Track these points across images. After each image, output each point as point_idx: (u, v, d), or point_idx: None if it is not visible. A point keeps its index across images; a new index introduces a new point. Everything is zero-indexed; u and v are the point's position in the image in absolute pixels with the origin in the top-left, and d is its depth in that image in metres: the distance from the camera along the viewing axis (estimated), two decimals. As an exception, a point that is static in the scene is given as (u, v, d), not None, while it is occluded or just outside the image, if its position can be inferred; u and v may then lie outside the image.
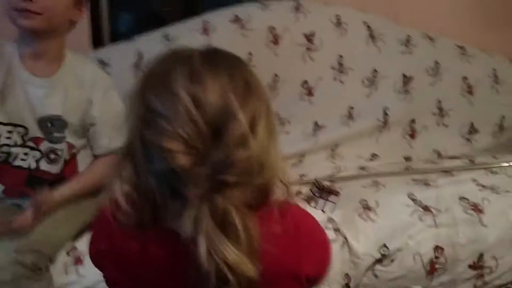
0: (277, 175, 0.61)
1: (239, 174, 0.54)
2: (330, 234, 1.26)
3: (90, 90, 1.27)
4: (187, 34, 1.82)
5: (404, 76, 1.84)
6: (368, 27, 1.87)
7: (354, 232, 1.26)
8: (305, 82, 1.82)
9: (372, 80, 1.84)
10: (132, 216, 0.58)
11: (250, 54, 1.80)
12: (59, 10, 1.18)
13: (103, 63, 1.76)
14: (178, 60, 0.60)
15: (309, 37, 1.84)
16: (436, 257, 1.26)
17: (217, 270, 0.53)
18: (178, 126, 0.53)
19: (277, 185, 0.62)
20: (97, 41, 2.03)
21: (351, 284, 1.23)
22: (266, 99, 0.61)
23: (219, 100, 0.55)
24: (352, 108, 1.81)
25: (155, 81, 0.59)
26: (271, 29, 1.82)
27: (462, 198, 1.34)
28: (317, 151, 1.75)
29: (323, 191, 1.36)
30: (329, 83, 1.82)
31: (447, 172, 1.56)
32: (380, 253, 1.23)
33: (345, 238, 1.26)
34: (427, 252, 1.25)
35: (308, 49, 1.83)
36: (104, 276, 0.70)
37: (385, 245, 1.24)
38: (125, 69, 1.75)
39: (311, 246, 0.67)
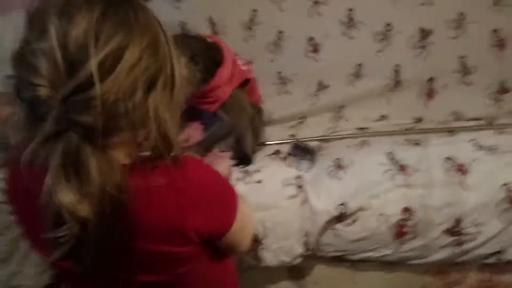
0: (160, 129, 0.60)
1: (96, 115, 0.53)
2: (291, 190, 1.21)
3: None
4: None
5: (422, 30, 1.66)
6: (384, -25, 1.71)
7: (317, 190, 1.19)
8: (311, 38, 1.73)
9: (385, 35, 1.69)
10: (24, 155, 0.58)
11: (254, 10, 1.76)
12: None
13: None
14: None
15: (316, -10, 1.73)
16: (404, 219, 1.14)
17: (52, 209, 0.54)
18: (41, 61, 0.53)
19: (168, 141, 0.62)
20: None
21: (310, 241, 1.17)
22: (155, 43, 0.59)
23: (81, 37, 0.53)
24: (360, 65, 1.69)
25: (33, 16, 0.58)
26: (276, -18, 1.75)
27: (448, 159, 1.20)
28: (320, 112, 1.67)
29: (299, 149, 1.31)
30: (336, 39, 1.71)
31: (450, 132, 1.40)
32: (338, 210, 1.15)
33: (306, 195, 1.19)
34: (394, 214, 1.15)
35: (316, 2, 1.74)
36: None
37: (344, 204, 1.15)
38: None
39: (202, 200, 0.65)
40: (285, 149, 1.37)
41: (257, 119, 1.27)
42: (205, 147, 1.11)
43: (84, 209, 0.54)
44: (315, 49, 1.72)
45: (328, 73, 1.70)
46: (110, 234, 0.57)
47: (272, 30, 1.75)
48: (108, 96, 0.53)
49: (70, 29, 0.53)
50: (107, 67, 0.53)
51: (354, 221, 1.17)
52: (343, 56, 1.71)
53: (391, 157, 1.23)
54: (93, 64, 0.51)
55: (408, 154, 1.23)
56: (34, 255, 1.23)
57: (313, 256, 1.23)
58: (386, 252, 1.17)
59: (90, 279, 0.68)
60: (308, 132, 1.58)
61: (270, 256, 1.19)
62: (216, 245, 0.73)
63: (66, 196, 0.53)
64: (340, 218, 1.17)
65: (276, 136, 1.52)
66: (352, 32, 1.71)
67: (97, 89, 0.52)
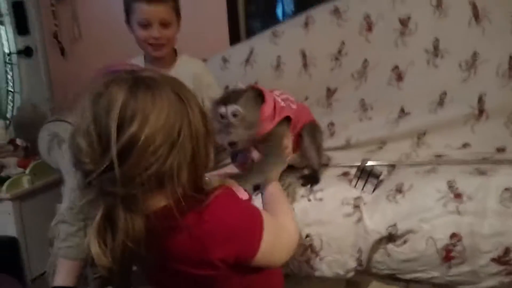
0: (183, 186, 0.74)
1: (122, 187, 0.68)
2: (348, 209, 1.33)
3: (198, 85, 1.62)
4: (290, 29, 2.03)
5: (511, 58, 1.65)
6: (474, 6, 1.74)
7: (373, 210, 1.30)
8: (396, 67, 1.82)
9: (471, 64, 1.71)
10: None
11: (343, 43, 1.92)
12: (174, 34, 1.60)
13: (225, 60, 2.12)
14: (96, 84, 0.72)
15: (403, 22, 1.83)
16: (452, 244, 1.19)
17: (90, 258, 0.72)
18: (82, 142, 0.69)
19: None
20: (236, 39, 2.40)
21: (362, 257, 1.28)
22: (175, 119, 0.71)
23: (108, 125, 0.66)
24: (444, 94, 1.73)
25: (80, 100, 0.72)
26: (366, 17, 1.88)
27: (506, 189, 1.21)
28: (401, 138, 1.71)
29: (365, 172, 1.42)
30: (421, 68, 1.78)
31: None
32: (388, 231, 1.24)
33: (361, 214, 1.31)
34: (442, 238, 1.20)
35: (402, 33, 1.83)
36: None
37: (394, 225, 1.25)
38: (238, 64, 2.07)
39: (223, 235, 0.77)
40: (354, 171, 1.48)
41: (318, 135, 1.40)
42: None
43: (106, 261, 0.71)
44: (399, 77, 1.80)
45: (410, 101, 1.75)
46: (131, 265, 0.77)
47: (358, 60, 1.88)
48: (127, 173, 0.67)
49: (100, 117, 0.67)
50: (125, 153, 0.66)
51: (404, 242, 1.24)
52: (427, 84, 1.75)
53: (450, 184, 1.27)
54: (113, 153, 0.66)
55: (468, 183, 1.27)
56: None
57: (368, 272, 1.32)
58: (434, 274, 1.22)
59: None
60: (386, 156, 1.66)
61: (326, 268, 1.32)
62: (251, 266, 0.83)
63: (94, 247, 0.71)
64: (391, 238, 1.25)
65: (351, 159, 1.62)
66: (437, 61, 1.76)
67: (117, 171, 0.66)
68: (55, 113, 2.41)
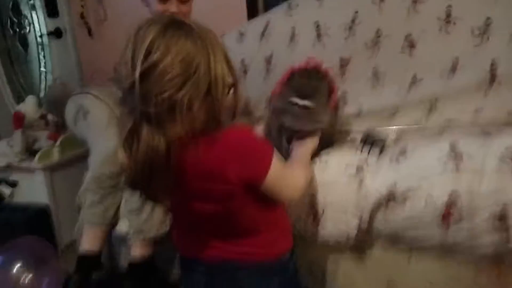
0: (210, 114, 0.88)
1: (141, 104, 0.82)
2: (351, 170, 1.38)
3: None
4: (305, 1, 2.06)
5: (524, 24, 1.63)
6: (490, -30, 1.72)
7: (375, 171, 1.34)
8: (409, 35, 1.82)
9: (484, 30, 1.70)
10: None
11: (356, 12, 1.93)
12: (191, 9, 1.68)
13: (241, 34, 2.17)
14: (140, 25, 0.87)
15: (416, -10, 1.82)
16: (450, 202, 1.22)
17: None
18: (123, 67, 0.84)
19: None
20: (254, 13, 2.44)
21: (364, 216, 1.33)
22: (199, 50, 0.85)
23: (137, 54, 0.81)
24: (456, 59, 1.73)
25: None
26: (379, -14, 1.89)
27: (508, 148, 1.23)
28: (413, 105, 1.73)
29: (371, 137, 1.46)
30: (433, 35, 1.77)
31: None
32: (388, 190, 1.28)
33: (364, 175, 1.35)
34: (441, 196, 1.23)
35: (414, 1, 1.83)
36: None
37: (395, 184, 1.28)
38: (254, 37, 2.11)
39: (238, 153, 0.91)
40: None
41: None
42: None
43: (130, 166, 0.86)
44: (411, 45, 1.81)
45: (423, 68, 1.76)
46: (154, 176, 0.87)
47: (371, 29, 1.89)
48: (146, 92, 0.81)
49: (137, 45, 0.82)
50: (145, 75, 0.80)
51: (404, 200, 1.28)
52: (439, 51, 1.76)
53: (453, 145, 1.30)
54: (137, 73, 0.80)
55: (471, 143, 1.28)
56: (159, 208, 1.63)
57: (370, 233, 1.37)
58: (434, 232, 1.25)
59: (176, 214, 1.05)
60: (397, 123, 1.69)
61: (330, 225, 1.37)
62: (260, 191, 0.97)
63: (120, 154, 0.86)
64: (391, 197, 1.29)
65: (363, 127, 1.66)
66: (449, 28, 1.75)
67: (137, 89, 0.81)
68: (83, 89, 2.53)
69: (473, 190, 1.20)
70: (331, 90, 1.30)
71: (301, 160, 1.23)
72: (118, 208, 1.75)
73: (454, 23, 1.75)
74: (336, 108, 1.41)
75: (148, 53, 0.80)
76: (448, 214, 1.23)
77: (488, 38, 1.68)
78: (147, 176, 0.87)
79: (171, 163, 0.85)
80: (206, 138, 0.89)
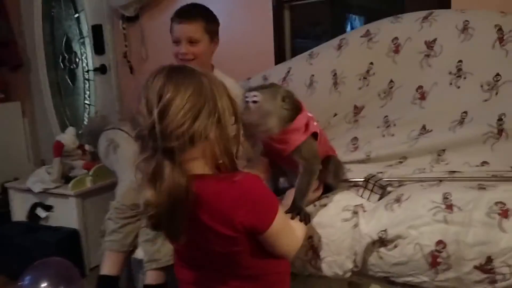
0: (220, 152, 1.00)
1: (163, 139, 0.91)
2: (347, 215, 1.45)
3: None
4: (325, 51, 2.19)
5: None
6: (500, 29, 1.80)
7: (369, 217, 1.41)
8: (420, 87, 1.90)
9: (493, 85, 1.76)
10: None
11: (371, 63, 2.04)
12: (203, 51, 1.78)
13: (265, 78, 2.32)
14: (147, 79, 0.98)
15: (429, 44, 1.92)
16: (437, 251, 1.27)
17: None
18: (140, 116, 0.95)
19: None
20: (281, 60, 2.59)
21: (357, 259, 1.39)
22: (210, 98, 0.96)
23: (152, 99, 0.92)
24: (465, 113, 1.78)
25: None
26: (394, 39, 2.00)
27: (498, 203, 1.27)
28: (421, 154, 1.77)
29: (370, 183, 1.53)
30: (444, 88, 1.85)
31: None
32: (378, 236, 1.35)
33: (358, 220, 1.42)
34: (429, 244, 1.28)
35: (427, 56, 1.92)
36: None
37: (385, 230, 1.35)
38: (275, 82, 2.22)
39: (247, 200, 0.96)
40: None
41: (341, 173, 1.52)
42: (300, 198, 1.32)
43: (154, 204, 0.92)
44: (422, 96, 1.88)
45: (432, 119, 1.82)
46: (177, 212, 0.94)
47: (385, 80, 1.99)
48: (166, 129, 0.90)
49: (149, 94, 0.93)
50: (162, 114, 0.90)
51: (394, 247, 1.33)
52: (449, 104, 1.82)
53: (445, 196, 1.35)
54: (155, 114, 0.90)
55: (463, 196, 1.33)
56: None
57: (364, 274, 1.42)
58: (424, 278, 1.29)
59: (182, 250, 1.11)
60: (403, 171, 1.74)
61: (326, 267, 1.44)
62: (259, 240, 1.01)
63: (145, 192, 0.93)
64: (382, 242, 1.35)
65: (370, 172, 1.73)
66: (460, 82, 1.82)
67: (157, 127, 0.90)
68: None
69: (459, 241, 1.24)
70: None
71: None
72: (136, 236, 1.89)
73: (465, 78, 1.82)
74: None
75: (160, 96, 0.91)
76: (435, 262, 1.27)
77: (496, 93, 1.74)
78: (171, 214, 0.93)
79: (191, 201, 0.92)
80: (222, 179, 0.97)
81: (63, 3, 3.25)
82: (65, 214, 2.41)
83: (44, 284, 1.75)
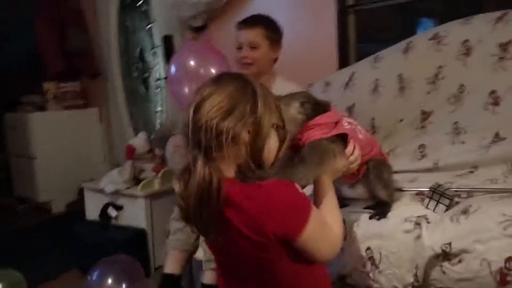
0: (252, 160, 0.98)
1: (193, 132, 0.95)
2: (409, 226, 1.39)
3: None
4: (391, 54, 2.13)
5: None
6: None
7: (434, 229, 1.34)
8: (493, 92, 1.79)
9: None
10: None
11: (439, 67, 1.95)
12: (263, 56, 1.88)
13: (327, 84, 2.30)
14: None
15: (504, 47, 1.80)
16: (507, 268, 1.18)
17: None
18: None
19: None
20: (345, 65, 2.55)
21: (418, 273, 1.33)
22: (251, 105, 0.97)
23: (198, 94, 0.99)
24: (545, 120, 1.65)
25: None
26: (465, 42, 1.90)
27: None
28: (493, 164, 1.65)
29: (436, 193, 1.46)
30: (520, 93, 1.73)
31: None
32: (442, 249, 1.28)
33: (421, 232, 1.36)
34: (497, 261, 1.20)
35: (501, 58, 1.80)
36: None
37: (449, 243, 1.28)
38: (338, 87, 2.22)
39: (276, 208, 0.92)
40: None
41: (385, 172, 1.46)
42: None
43: (183, 199, 0.95)
44: (496, 101, 1.76)
45: (507, 126, 1.70)
46: (206, 207, 0.95)
47: (454, 84, 1.89)
48: (197, 122, 0.93)
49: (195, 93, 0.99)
50: (197, 108, 0.94)
51: (459, 262, 1.26)
52: (526, 109, 1.69)
53: (518, 210, 1.26)
54: (192, 108, 0.95)
55: (539, 210, 1.24)
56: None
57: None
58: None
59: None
60: (474, 181, 1.64)
61: (385, 280, 1.39)
62: (294, 248, 0.96)
63: (176, 185, 0.98)
64: (446, 256, 1.28)
65: (435, 182, 1.64)
66: (539, 86, 1.69)
67: (191, 119, 0.95)
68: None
69: (532, 259, 1.15)
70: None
71: (330, 209, 1.13)
72: (199, 236, 1.93)
73: (545, 81, 1.68)
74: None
75: (199, 91, 0.97)
76: (505, 281, 1.18)
77: None
78: (199, 208, 0.94)
79: (220, 199, 0.91)
80: (252, 185, 0.93)
81: (137, 15, 3.42)
82: (134, 214, 2.52)
83: (109, 280, 1.84)
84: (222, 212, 0.95)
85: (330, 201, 1.16)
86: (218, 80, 0.99)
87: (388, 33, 2.67)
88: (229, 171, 0.99)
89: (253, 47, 1.85)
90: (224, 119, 0.93)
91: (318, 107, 1.29)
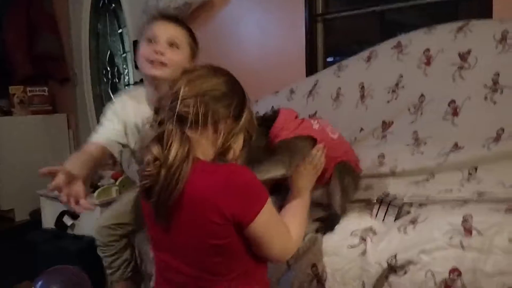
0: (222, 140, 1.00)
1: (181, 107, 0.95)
2: (354, 240, 1.34)
3: None
4: (354, 63, 2.09)
5: None
6: (543, 39, 1.63)
7: (379, 242, 1.29)
8: (452, 101, 1.76)
9: (532, 99, 1.59)
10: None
11: (400, 76, 1.92)
12: (181, 62, 1.43)
13: (292, 92, 2.26)
14: None
15: (463, 56, 1.77)
16: (451, 279, 1.13)
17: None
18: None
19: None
20: (312, 70, 2.51)
21: (366, 288, 1.27)
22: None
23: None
24: (502, 130, 1.62)
25: None
26: (426, 51, 1.87)
27: (524, 228, 1.12)
28: (450, 171, 1.63)
29: (384, 203, 1.41)
30: (478, 103, 1.69)
31: None
32: (387, 262, 1.22)
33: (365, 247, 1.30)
34: (441, 272, 1.14)
35: (460, 68, 1.77)
36: None
37: (395, 256, 1.22)
38: (302, 95, 2.18)
39: (233, 187, 0.91)
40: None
41: (350, 181, 1.42)
42: None
43: (157, 153, 0.92)
44: (455, 112, 1.73)
45: (465, 136, 1.66)
46: (169, 184, 0.91)
47: (414, 94, 1.85)
48: (186, 97, 0.94)
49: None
50: (190, 81, 0.96)
51: (405, 273, 1.20)
52: (484, 120, 1.66)
53: (465, 219, 1.21)
54: (184, 80, 0.97)
55: (486, 219, 1.19)
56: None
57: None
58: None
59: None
60: (429, 189, 1.59)
61: (332, 296, 1.33)
62: (246, 236, 0.93)
63: (155, 150, 0.92)
64: (392, 269, 1.22)
65: (393, 189, 1.60)
66: (496, 96, 1.66)
67: (181, 91, 0.94)
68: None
69: (476, 269, 1.10)
70: None
71: (295, 216, 1.11)
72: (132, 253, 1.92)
73: (501, 92, 1.65)
74: None
75: (192, 69, 1.02)
76: (449, 292, 1.13)
77: (537, 109, 1.56)
78: (169, 178, 0.90)
79: (187, 171, 0.91)
80: (209, 166, 0.95)
81: (108, 19, 3.36)
82: (90, 223, 2.42)
83: (54, 289, 1.75)
84: (183, 189, 0.92)
85: (296, 206, 1.15)
86: (213, 67, 1.02)
87: (357, 43, 2.64)
88: (203, 154, 0.98)
89: (172, 45, 1.44)
90: (216, 102, 0.96)
91: (264, 121, 1.26)
